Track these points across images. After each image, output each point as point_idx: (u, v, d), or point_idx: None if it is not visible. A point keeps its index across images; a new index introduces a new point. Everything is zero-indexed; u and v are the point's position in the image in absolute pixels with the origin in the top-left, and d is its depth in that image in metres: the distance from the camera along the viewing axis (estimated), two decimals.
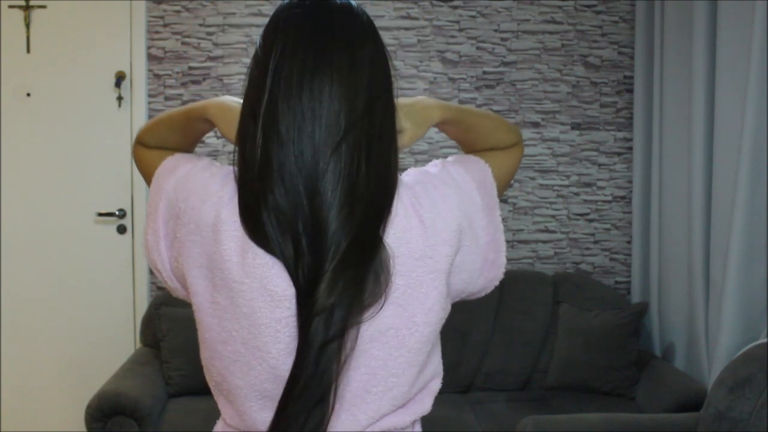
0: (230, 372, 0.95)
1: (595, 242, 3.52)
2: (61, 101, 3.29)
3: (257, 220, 0.90)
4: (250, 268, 0.90)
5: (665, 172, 3.17)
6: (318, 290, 0.87)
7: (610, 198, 3.51)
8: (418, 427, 1.04)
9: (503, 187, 1.10)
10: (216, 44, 3.33)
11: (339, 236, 0.89)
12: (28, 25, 3.25)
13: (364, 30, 0.97)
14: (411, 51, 3.39)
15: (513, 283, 3.22)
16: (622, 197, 3.51)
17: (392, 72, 0.98)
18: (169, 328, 2.94)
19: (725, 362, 2.52)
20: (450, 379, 3.24)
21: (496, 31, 3.42)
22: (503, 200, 3.43)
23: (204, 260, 0.94)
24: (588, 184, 3.50)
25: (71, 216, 3.32)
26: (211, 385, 1.01)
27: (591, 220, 3.51)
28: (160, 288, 3.37)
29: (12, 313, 3.31)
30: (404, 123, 1.02)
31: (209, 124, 1.06)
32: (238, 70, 3.34)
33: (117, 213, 3.32)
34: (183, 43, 3.33)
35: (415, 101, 1.05)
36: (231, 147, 0.98)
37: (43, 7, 3.25)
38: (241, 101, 0.98)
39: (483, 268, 1.03)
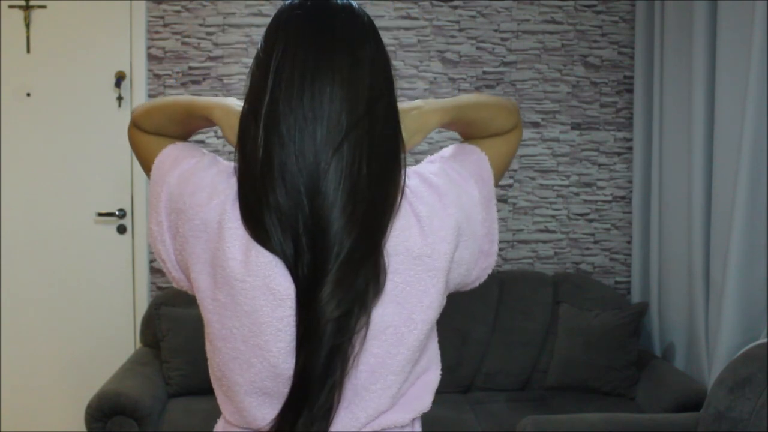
0: (230, 369, 0.96)
1: (595, 242, 3.52)
2: (61, 101, 3.29)
3: (259, 219, 0.90)
4: (254, 266, 0.91)
5: (665, 172, 3.17)
6: (322, 291, 0.88)
7: (610, 198, 3.51)
8: (418, 426, 1.04)
9: (501, 173, 1.10)
10: (216, 44, 3.33)
11: (341, 236, 0.89)
12: (28, 25, 3.25)
13: (365, 30, 0.97)
14: (411, 51, 3.39)
15: (513, 283, 3.22)
16: (622, 197, 3.51)
17: (393, 73, 0.98)
18: (169, 328, 2.94)
19: (725, 362, 2.52)
20: (450, 379, 3.24)
21: (496, 31, 3.42)
22: (503, 200, 3.44)
23: (207, 256, 0.94)
24: (588, 184, 3.50)
25: (71, 216, 3.32)
26: (213, 379, 1.01)
27: (591, 220, 3.51)
28: (160, 288, 3.37)
29: (12, 313, 3.31)
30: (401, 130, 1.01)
31: (210, 122, 1.06)
32: (238, 70, 3.34)
33: (117, 213, 3.32)
34: (183, 43, 3.33)
35: (411, 107, 1.03)
36: (231, 147, 0.98)
37: (43, 7, 3.25)
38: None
39: (478, 260, 1.03)
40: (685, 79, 2.95)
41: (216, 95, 3.31)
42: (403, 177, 0.95)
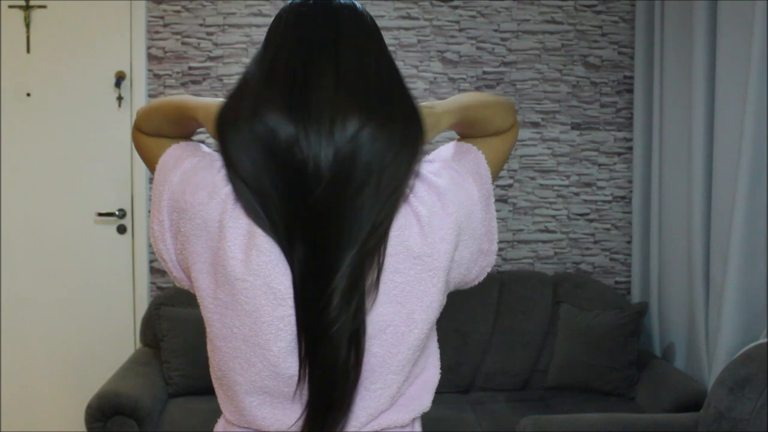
0: (230, 368, 0.96)
1: (595, 242, 3.52)
2: (61, 101, 3.29)
3: (257, 214, 0.91)
4: (254, 265, 0.91)
5: (665, 172, 3.17)
6: (333, 294, 0.88)
7: (610, 198, 3.51)
8: (418, 426, 1.04)
9: (498, 171, 1.10)
10: (216, 44, 3.34)
11: (352, 233, 0.89)
12: (28, 25, 3.25)
13: (370, 30, 0.98)
14: (411, 51, 3.39)
15: (513, 283, 3.22)
16: (622, 197, 3.51)
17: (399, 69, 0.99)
18: (169, 328, 2.94)
19: (725, 362, 2.52)
20: (450, 379, 3.24)
21: (496, 31, 3.42)
22: (503, 200, 3.44)
23: (208, 256, 0.94)
24: (588, 184, 3.50)
25: (71, 216, 3.32)
26: (213, 378, 1.01)
27: (591, 220, 3.51)
28: (160, 288, 3.37)
29: (12, 313, 3.31)
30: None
31: (200, 123, 1.06)
32: (238, 70, 3.34)
33: (117, 213, 3.32)
34: (183, 43, 3.33)
35: (423, 105, 1.04)
36: None
37: (43, 7, 3.25)
38: None
39: (478, 259, 1.03)
40: (685, 79, 2.95)
41: (216, 95, 3.31)
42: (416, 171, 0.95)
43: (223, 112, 0.94)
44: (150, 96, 3.33)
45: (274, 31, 0.98)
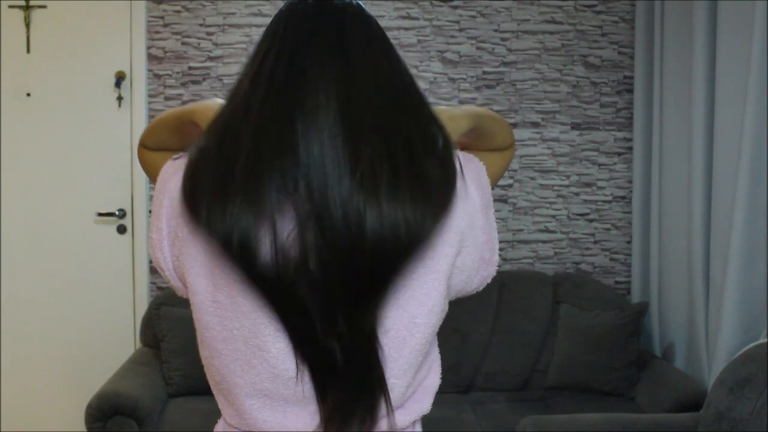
0: (230, 371, 0.95)
1: (595, 242, 3.52)
2: (61, 101, 3.29)
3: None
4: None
5: (665, 172, 3.17)
6: (350, 298, 0.88)
7: (610, 198, 3.51)
8: (418, 427, 1.04)
9: (494, 185, 1.10)
10: (216, 44, 3.33)
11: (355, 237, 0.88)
12: (28, 25, 3.25)
13: (375, 30, 0.98)
14: (411, 51, 3.39)
15: (513, 283, 3.22)
16: (622, 197, 3.51)
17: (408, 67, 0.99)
18: (169, 328, 2.94)
19: (725, 362, 2.52)
20: (450, 379, 3.24)
21: (496, 31, 3.42)
22: (503, 200, 3.44)
23: (205, 259, 0.94)
24: (588, 184, 3.50)
25: (71, 216, 3.32)
26: (212, 384, 1.01)
27: (591, 220, 3.51)
28: (160, 288, 3.37)
29: (12, 313, 3.31)
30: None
31: (199, 127, 1.06)
32: (238, 70, 3.32)
33: (117, 213, 3.32)
34: (183, 43, 3.33)
35: (441, 110, 1.03)
36: None
37: (43, 7, 3.25)
38: None
39: (480, 267, 1.03)
40: (685, 79, 2.95)
41: (216, 95, 3.31)
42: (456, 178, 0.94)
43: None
44: (150, 96, 3.33)
45: (269, 38, 0.97)
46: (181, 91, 3.34)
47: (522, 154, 3.46)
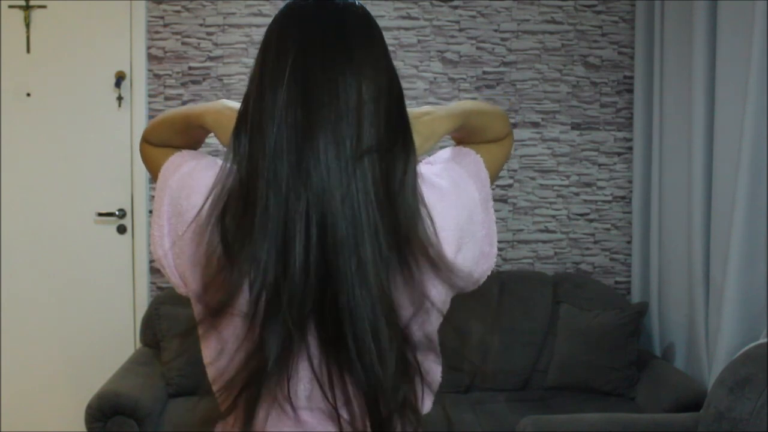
0: (228, 371, 0.95)
1: (595, 242, 3.52)
2: (61, 101, 3.29)
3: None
4: None
5: (665, 172, 3.17)
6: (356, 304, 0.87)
7: (610, 198, 3.51)
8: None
9: (494, 177, 1.10)
10: (216, 44, 3.33)
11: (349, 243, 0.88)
12: (28, 25, 3.24)
13: (374, 31, 0.97)
14: (411, 51, 3.39)
15: (513, 283, 3.22)
16: (622, 197, 3.51)
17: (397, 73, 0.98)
18: (169, 328, 2.94)
19: (725, 362, 2.52)
20: (450, 379, 3.22)
21: (496, 31, 3.42)
22: (503, 200, 3.44)
23: (203, 259, 0.93)
24: (588, 184, 3.50)
25: (71, 216, 3.32)
26: (211, 381, 1.01)
27: (591, 220, 3.51)
28: (160, 288, 3.37)
29: (12, 313, 3.31)
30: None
31: (207, 130, 1.06)
32: (238, 70, 3.34)
33: (117, 213, 3.32)
34: (183, 43, 3.33)
35: (422, 112, 1.02)
36: None
37: (43, 7, 3.25)
38: (238, 104, 0.97)
39: (479, 261, 1.03)
40: (685, 79, 2.95)
41: (216, 95, 3.31)
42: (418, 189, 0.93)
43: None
44: (150, 96, 3.33)
45: (271, 39, 0.96)
46: (181, 91, 3.34)
47: (522, 154, 3.46)
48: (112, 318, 3.35)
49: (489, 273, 1.06)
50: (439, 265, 0.91)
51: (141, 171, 3.32)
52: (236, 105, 1.00)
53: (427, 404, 1.03)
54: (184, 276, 0.97)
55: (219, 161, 1.01)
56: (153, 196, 1.05)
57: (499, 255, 1.02)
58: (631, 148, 3.48)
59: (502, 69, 3.43)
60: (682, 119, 3.00)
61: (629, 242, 3.51)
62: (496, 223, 1.07)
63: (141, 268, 3.35)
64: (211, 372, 0.99)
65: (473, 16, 3.41)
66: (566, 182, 3.48)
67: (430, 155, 1.09)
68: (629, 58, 3.46)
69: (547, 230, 3.50)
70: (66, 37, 3.27)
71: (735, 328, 2.58)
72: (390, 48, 0.99)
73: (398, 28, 3.37)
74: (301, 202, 0.86)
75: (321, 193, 0.86)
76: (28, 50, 3.26)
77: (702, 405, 2.30)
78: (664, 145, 3.17)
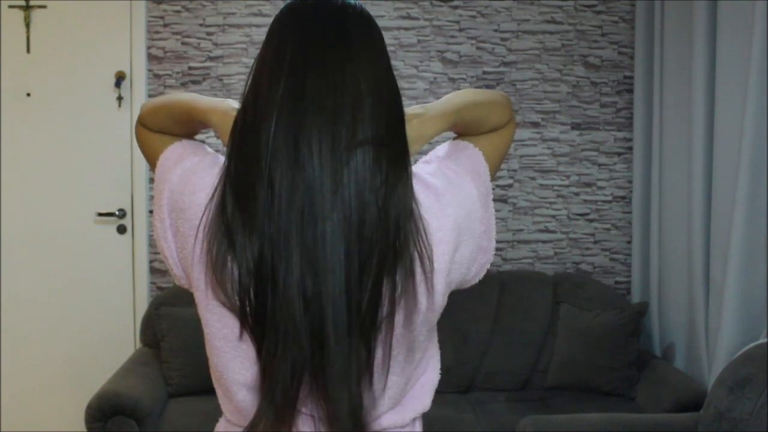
0: (228, 368, 0.95)
1: (595, 242, 3.52)
2: (61, 101, 3.29)
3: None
4: None
5: (665, 172, 3.17)
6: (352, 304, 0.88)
7: (610, 198, 3.51)
8: (418, 426, 1.04)
9: (496, 167, 1.09)
10: (216, 44, 3.33)
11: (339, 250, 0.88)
12: (28, 25, 3.25)
13: (374, 31, 0.97)
14: (411, 51, 3.39)
15: (513, 283, 3.22)
16: (622, 197, 3.51)
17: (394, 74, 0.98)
18: (169, 328, 2.94)
19: (725, 362, 2.52)
20: (450, 379, 3.23)
21: (496, 31, 3.42)
22: (503, 200, 3.44)
23: (206, 257, 0.93)
24: (588, 184, 3.50)
25: (71, 216, 3.32)
26: (213, 379, 1.01)
27: (591, 220, 3.51)
28: (160, 288, 3.37)
29: (12, 313, 3.31)
30: None
31: (208, 126, 1.06)
32: (238, 70, 3.34)
33: (117, 213, 3.32)
34: (183, 43, 3.33)
35: (413, 114, 1.02)
36: None
37: (43, 7, 3.25)
38: None
39: (477, 256, 1.02)
40: (685, 79, 2.95)
41: (216, 95, 3.31)
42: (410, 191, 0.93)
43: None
44: (150, 96, 3.33)
45: (271, 37, 0.96)
46: (180, 91, 3.33)
47: (522, 154, 3.46)
48: (112, 318, 3.35)
49: (488, 267, 1.05)
50: (426, 267, 0.92)
51: (141, 171, 3.32)
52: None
53: (426, 402, 1.02)
54: (188, 270, 0.97)
55: (221, 158, 1.01)
56: (153, 197, 1.05)
57: (499, 255, 1.02)
58: (631, 148, 3.48)
59: (502, 69, 3.43)
60: (682, 119, 3.00)
61: (629, 242, 3.51)
62: (496, 223, 1.06)
63: (141, 268, 3.35)
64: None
65: (473, 16, 3.41)
66: (566, 182, 3.48)
67: (426, 151, 1.09)
68: (629, 58, 3.46)
69: (547, 230, 3.50)
70: (66, 37, 3.27)
71: (735, 328, 2.58)
72: (390, 48, 0.99)
73: (398, 28, 3.38)
74: (297, 195, 0.87)
75: (312, 184, 0.87)
76: (28, 50, 3.26)
77: (702, 405, 2.30)
78: (664, 145, 3.17)
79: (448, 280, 0.97)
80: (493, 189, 1.10)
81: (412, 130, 0.99)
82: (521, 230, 3.49)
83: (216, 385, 1.01)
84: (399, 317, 0.93)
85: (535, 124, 3.46)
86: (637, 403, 2.91)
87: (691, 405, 2.63)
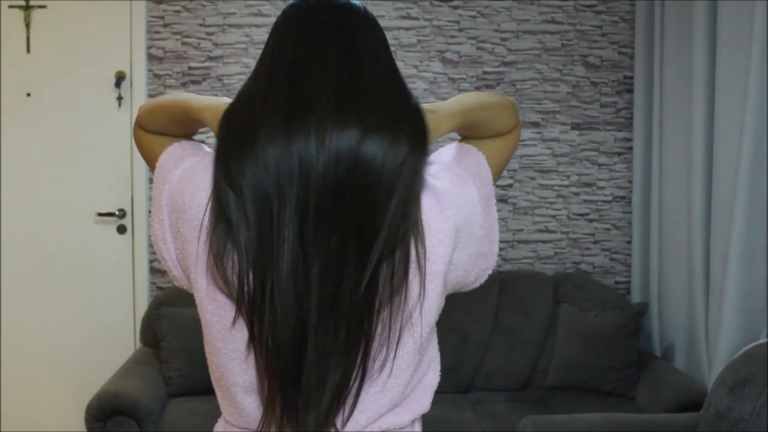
0: (229, 369, 0.95)
1: (595, 242, 3.52)
2: (61, 101, 3.29)
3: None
4: None
5: (665, 172, 3.17)
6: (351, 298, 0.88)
7: (610, 198, 3.51)
8: (418, 427, 1.04)
9: (499, 172, 1.08)
10: (216, 44, 3.33)
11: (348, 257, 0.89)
12: (28, 25, 3.24)
13: (374, 30, 0.98)
14: (411, 51, 3.39)
15: (513, 283, 3.22)
16: (622, 197, 3.51)
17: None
18: (169, 328, 2.94)
19: (725, 362, 2.52)
20: (450, 379, 3.23)
21: (496, 31, 3.42)
22: (503, 200, 3.44)
23: (206, 257, 0.93)
24: (588, 184, 3.50)
25: (71, 216, 3.32)
26: (213, 379, 1.01)
27: (591, 220, 3.51)
28: (160, 288, 3.37)
29: (12, 313, 3.31)
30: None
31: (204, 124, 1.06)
32: (238, 70, 3.34)
33: (117, 213, 3.32)
34: (183, 43, 3.33)
35: (426, 110, 1.01)
36: None
37: (43, 7, 3.25)
38: None
39: (477, 261, 1.02)
40: (685, 79, 2.95)
41: (216, 95, 3.30)
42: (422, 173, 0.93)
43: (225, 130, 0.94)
44: (150, 96, 3.33)
45: (274, 34, 0.97)
46: (181, 91, 3.33)
47: (522, 154, 3.46)
48: (112, 318, 3.35)
49: (489, 272, 1.05)
50: (422, 268, 0.92)
51: (141, 171, 3.32)
52: None
53: (426, 404, 1.02)
54: (188, 271, 0.97)
55: None
56: (152, 186, 1.05)
57: (499, 255, 1.01)
58: (631, 148, 3.48)
59: (502, 69, 3.43)
60: (682, 119, 3.00)
61: (629, 242, 3.51)
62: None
63: (141, 268, 3.35)
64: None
65: (473, 16, 3.41)
66: (566, 182, 3.48)
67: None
68: (629, 58, 3.46)
69: (547, 230, 3.50)
70: (66, 37, 3.27)
71: (735, 328, 2.58)
72: (390, 48, 0.99)
73: (398, 28, 3.38)
74: (294, 185, 0.87)
75: (308, 167, 0.87)
76: (28, 50, 3.26)
77: (702, 405, 2.30)
78: (664, 145, 3.17)
79: (445, 281, 0.97)
80: (499, 176, 1.09)
81: None
82: (521, 230, 3.49)
83: (216, 387, 1.01)
84: (398, 319, 0.93)
85: (535, 124, 3.46)
86: (637, 403, 2.91)
87: (691, 405, 2.63)
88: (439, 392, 1.04)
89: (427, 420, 1.06)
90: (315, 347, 0.88)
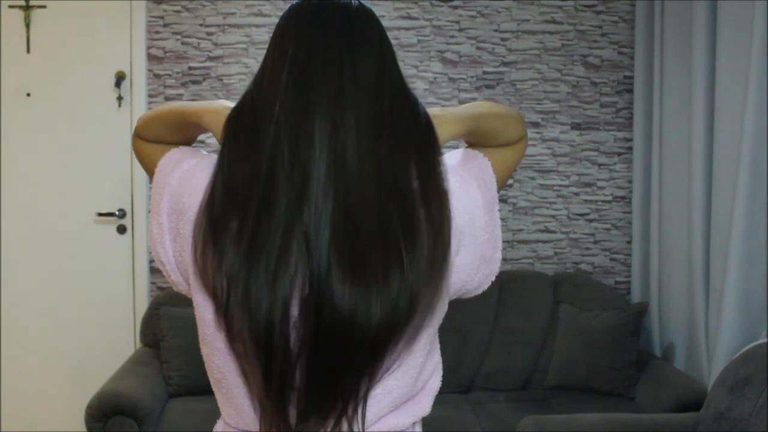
0: (229, 370, 0.95)
1: (595, 242, 3.52)
2: (61, 101, 3.29)
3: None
4: None
5: (665, 172, 3.17)
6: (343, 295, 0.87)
7: (610, 198, 3.51)
8: (418, 428, 1.04)
9: (503, 181, 1.09)
10: (216, 44, 3.33)
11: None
12: (28, 25, 3.24)
13: (376, 31, 0.97)
14: (411, 51, 3.39)
15: (513, 283, 3.22)
16: (622, 197, 3.51)
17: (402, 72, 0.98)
18: (169, 328, 2.94)
19: (725, 362, 2.52)
20: (450, 379, 3.24)
21: (496, 31, 3.42)
22: (503, 200, 3.44)
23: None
24: (588, 184, 3.50)
25: (71, 216, 3.32)
26: (212, 381, 1.01)
27: (591, 220, 3.51)
28: (160, 288, 3.37)
29: (12, 313, 3.31)
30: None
31: (203, 128, 1.06)
32: (238, 70, 3.34)
33: (117, 213, 3.32)
34: (183, 43, 3.33)
35: (431, 115, 1.01)
36: None
37: (43, 7, 3.25)
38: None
39: (480, 266, 1.02)
40: (685, 79, 2.95)
41: (216, 95, 3.31)
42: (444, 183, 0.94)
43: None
44: (150, 96, 3.33)
45: (275, 36, 0.97)
46: (181, 91, 3.34)
47: None
48: (112, 318, 3.35)
49: (493, 278, 1.05)
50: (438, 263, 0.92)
51: (141, 171, 3.32)
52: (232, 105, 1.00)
53: (426, 407, 1.02)
54: (187, 274, 0.97)
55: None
56: (152, 191, 1.05)
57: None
58: (631, 148, 3.48)
59: (502, 69, 3.43)
60: (682, 119, 3.00)
61: (629, 242, 3.51)
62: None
63: (141, 268, 3.35)
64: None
65: (473, 16, 3.41)
66: (566, 182, 3.48)
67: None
68: (629, 58, 3.46)
69: (547, 230, 3.50)
70: (66, 37, 3.27)
71: (735, 328, 2.58)
72: (392, 46, 0.99)
73: (398, 28, 3.38)
74: (295, 182, 0.87)
75: (310, 172, 0.87)
76: (28, 50, 3.26)
77: (702, 405, 2.30)
78: (664, 145, 3.17)
79: (447, 284, 0.97)
80: (503, 185, 1.09)
81: None
82: (521, 230, 3.49)
83: (215, 389, 1.01)
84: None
85: (535, 124, 3.46)
86: (637, 403, 2.91)
87: (691, 405, 2.63)
88: (439, 392, 1.04)
89: (426, 420, 1.06)
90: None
